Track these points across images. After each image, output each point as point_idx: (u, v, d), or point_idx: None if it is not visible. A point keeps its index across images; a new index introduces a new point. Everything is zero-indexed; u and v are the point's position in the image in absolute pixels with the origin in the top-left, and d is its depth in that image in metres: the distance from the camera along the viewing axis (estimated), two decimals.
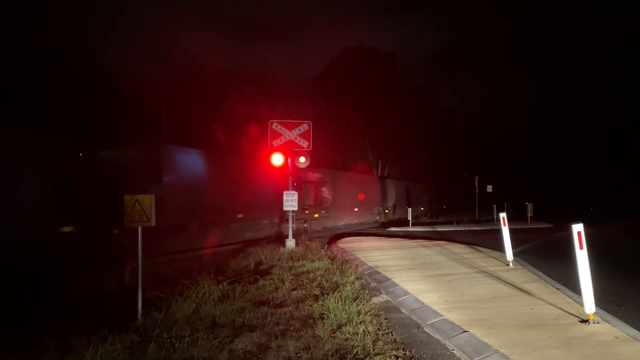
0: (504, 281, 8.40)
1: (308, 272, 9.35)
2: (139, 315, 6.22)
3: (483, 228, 23.69)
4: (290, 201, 13.47)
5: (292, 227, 13.80)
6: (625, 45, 79.24)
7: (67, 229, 10.15)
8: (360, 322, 5.90)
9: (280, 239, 14.68)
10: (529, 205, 27.29)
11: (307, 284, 8.08)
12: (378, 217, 30.11)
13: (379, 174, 39.10)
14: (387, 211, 31.77)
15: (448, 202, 47.01)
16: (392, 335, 5.57)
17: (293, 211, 13.82)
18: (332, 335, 5.53)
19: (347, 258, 11.46)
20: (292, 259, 10.91)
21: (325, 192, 22.73)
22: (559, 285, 7.92)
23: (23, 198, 9.48)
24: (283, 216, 16.59)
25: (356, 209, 26.93)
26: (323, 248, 12.76)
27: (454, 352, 5.20)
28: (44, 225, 9.72)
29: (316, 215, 21.14)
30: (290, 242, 13.13)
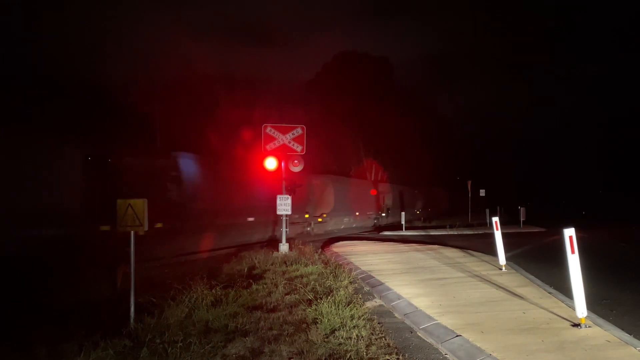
0: (496, 285, 8.44)
1: (301, 276, 9.34)
2: (132, 320, 6.18)
3: (476, 232, 23.76)
4: (284, 205, 13.46)
5: (286, 231, 13.80)
6: (619, 48, 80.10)
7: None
8: (354, 327, 5.89)
9: (274, 243, 14.65)
10: (522, 210, 27.43)
11: (300, 289, 8.06)
12: (309, 228, 21.70)
13: (372, 178, 39.16)
14: (320, 220, 23.07)
15: (441, 206, 47.15)
16: (385, 339, 5.57)
17: (287, 215, 13.82)
18: (326, 339, 5.52)
19: (340, 262, 11.46)
20: (285, 263, 10.89)
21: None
22: (551, 289, 7.96)
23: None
24: (276, 220, 16.58)
25: (251, 219, 16.90)
26: (317, 252, 12.73)
27: (447, 356, 5.21)
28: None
29: (141, 233, 12.18)
30: (284, 246, 13.11)
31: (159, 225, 11.43)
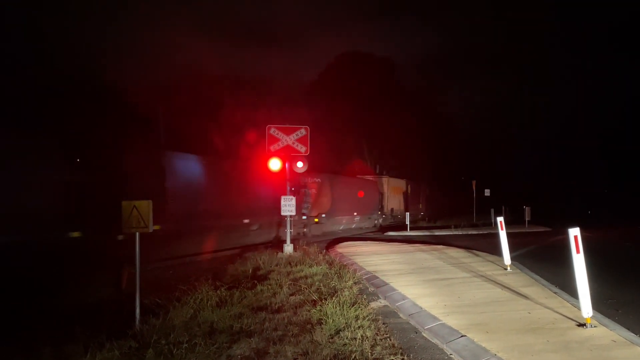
0: (501, 285, 8.41)
1: (306, 277, 9.34)
2: (137, 322, 6.20)
3: (481, 232, 23.70)
4: (288, 206, 13.46)
5: (290, 231, 13.80)
6: (620, 45, 79.70)
7: (75, 234, 10.00)
8: (359, 327, 5.89)
9: (279, 244, 14.66)
10: (527, 209, 27.34)
11: (305, 289, 8.07)
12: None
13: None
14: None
15: (446, 206, 47.00)
16: (390, 340, 5.57)
17: (291, 216, 13.83)
18: (331, 340, 5.52)
19: (345, 263, 11.45)
20: (290, 264, 10.89)
21: None
22: (556, 289, 7.93)
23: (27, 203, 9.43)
24: (281, 221, 16.58)
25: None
26: (321, 253, 12.72)
27: (452, 356, 5.20)
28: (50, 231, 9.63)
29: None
30: (288, 247, 13.12)
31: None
